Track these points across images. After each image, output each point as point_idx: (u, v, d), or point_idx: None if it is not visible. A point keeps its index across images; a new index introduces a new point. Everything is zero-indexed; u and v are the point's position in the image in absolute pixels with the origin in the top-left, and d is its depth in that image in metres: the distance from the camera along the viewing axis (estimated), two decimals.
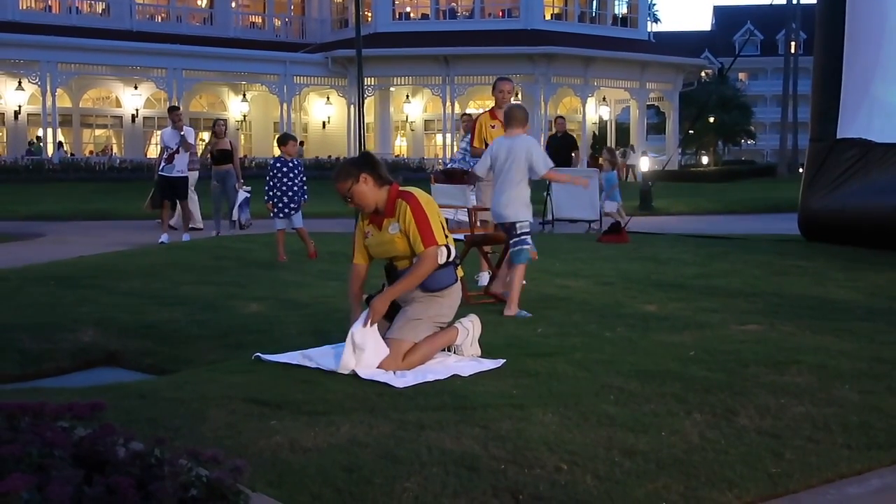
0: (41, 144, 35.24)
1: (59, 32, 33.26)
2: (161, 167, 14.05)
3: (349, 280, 5.22)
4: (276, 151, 10.72)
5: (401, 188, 4.98)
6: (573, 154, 17.03)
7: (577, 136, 41.95)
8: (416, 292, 4.90)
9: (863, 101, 12.08)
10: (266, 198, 10.27)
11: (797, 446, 3.53)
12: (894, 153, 11.53)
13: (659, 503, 2.98)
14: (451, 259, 4.97)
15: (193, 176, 15.09)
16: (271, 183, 10.22)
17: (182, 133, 13.72)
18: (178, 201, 14.03)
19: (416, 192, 5.03)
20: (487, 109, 8.76)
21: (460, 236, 7.22)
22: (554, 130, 17.65)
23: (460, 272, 5.17)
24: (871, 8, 12.11)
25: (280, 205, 10.19)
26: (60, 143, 35.48)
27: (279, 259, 9.95)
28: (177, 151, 13.74)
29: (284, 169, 10.23)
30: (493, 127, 8.38)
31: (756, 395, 4.23)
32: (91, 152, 37.29)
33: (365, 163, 4.96)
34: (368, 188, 4.89)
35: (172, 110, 14.57)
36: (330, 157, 35.28)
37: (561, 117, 18.42)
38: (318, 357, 4.90)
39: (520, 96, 38.03)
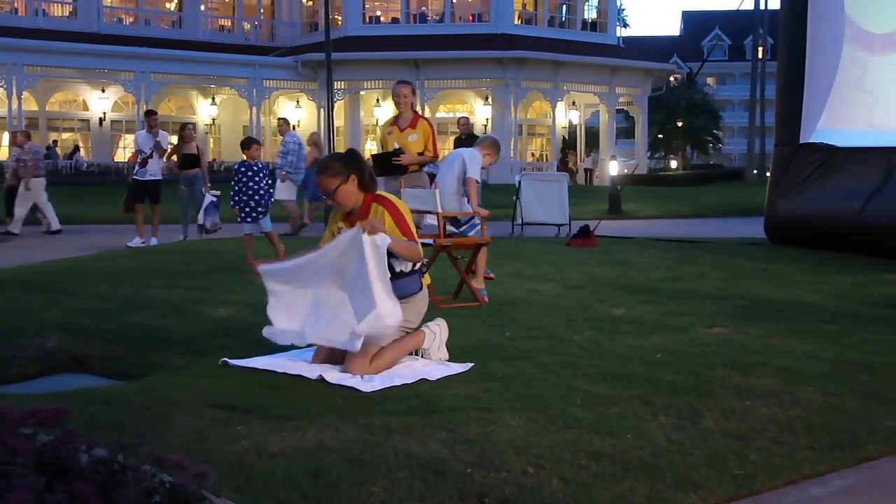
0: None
1: (26, 35, 32.95)
2: (135, 171, 14.00)
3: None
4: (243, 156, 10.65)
5: (377, 193, 5.02)
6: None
7: (546, 140, 42.33)
8: None
9: (824, 106, 12.23)
10: (232, 203, 10.21)
11: (761, 448, 3.56)
12: (855, 157, 11.68)
13: None
14: (416, 267, 4.98)
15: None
16: (237, 188, 10.16)
17: (157, 138, 13.65)
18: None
19: (393, 197, 5.08)
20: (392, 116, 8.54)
21: (430, 241, 7.23)
22: (458, 132, 16.13)
23: (427, 280, 5.18)
24: (831, 13, 12.27)
25: (247, 209, 10.13)
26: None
27: (248, 263, 9.90)
28: (150, 156, 13.67)
29: (249, 173, 10.16)
30: (389, 133, 8.22)
31: (721, 397, 4.27)
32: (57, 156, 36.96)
33: (354, 162, 4.95)
34: (353, 189, 4.91)
35: (149, 114, 14.49)
36: None
37: (465, 117, 16.91)
38: (286, 362, 4.88)
39: (489, 100, 38.17)
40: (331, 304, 4.80)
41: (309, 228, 15.29)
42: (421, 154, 8.08)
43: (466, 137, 15.15)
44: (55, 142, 36.46)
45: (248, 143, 10.59)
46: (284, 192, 15.35)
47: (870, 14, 12.04)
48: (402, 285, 4.91)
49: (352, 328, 4.62)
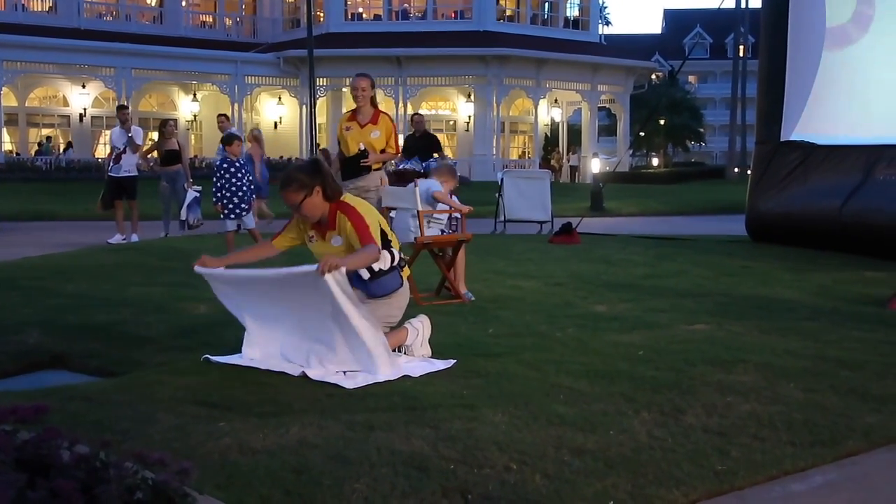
0: (50, 145, 34.94)
1: (5, 30, 32.67)
2: (109, 167, 13.92)
3: (252, 247, 5.37)
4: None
5: (343, 201, 4.89)
6: (436, 156, 14.89)
7: (529, 137, 42.39)
8: (363, 297, 4.85)
9: (804, 104, 12.31)
10: (215, 199, 10.17)
11: (743, 444, 3.58)
12: (835, 155, 11.75)
13: (607, 502, 3.00)
14: (395, 263, 4.96)
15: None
16: (219, 184, 10.13)
17: (130, 133, 13.57)
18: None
19: (359, 204, 4.96)
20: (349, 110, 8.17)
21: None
22: (412, 130, 15.38)
23: (406, 272, 5.16)
24: (812, 11, 12.34)
25: (231, 206, 10.10)
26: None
27: None
28: (123, 151, 13.59)
29: (232, 169, 10.14)
30: (347, 129, 7.88)
31: (703, 393, 4.29)
32: (37, 152, 36.72)
33: (317, 173, 4.83)
34: (319, 200, 4.81)
35: (120, 109, 14.40)
36: (282, 157, 35.09)
37: (418, 114, 16.23)
38: (267, 357, 4.87)
39: (472, 97, 38.18)
40: (310, 331, 4.75)
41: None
42: (383, 151, 7.87)
43: (420, 136, 14.83)
44: (48, 137, 36.22)
45: (229, 140, 10.56)
46: None
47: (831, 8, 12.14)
48: (382, 283, 4.90)
49: (345, 367, 4.64)
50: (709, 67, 75.30)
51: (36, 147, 35.30)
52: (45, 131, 38.11)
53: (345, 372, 4.61)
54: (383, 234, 4.95)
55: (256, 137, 16.35)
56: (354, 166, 7.77)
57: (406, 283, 5.11)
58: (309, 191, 4.76)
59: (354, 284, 4.78)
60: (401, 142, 13.71)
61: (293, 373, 4.63)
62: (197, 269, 4.87)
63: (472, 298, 7.37)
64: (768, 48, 13.00)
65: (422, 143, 14.71)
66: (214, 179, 10.23)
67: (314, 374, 4.58)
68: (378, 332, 4.67)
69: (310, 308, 4.61)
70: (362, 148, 7.71)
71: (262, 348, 4.90)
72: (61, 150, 35.82)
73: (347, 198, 4.95)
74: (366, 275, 4.82)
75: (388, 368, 4.61)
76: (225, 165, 10.21)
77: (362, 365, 4.62)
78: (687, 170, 48.94)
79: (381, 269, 4.89)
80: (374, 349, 4.58)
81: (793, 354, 5.17)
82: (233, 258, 5.17)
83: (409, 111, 38.24)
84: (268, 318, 4.90)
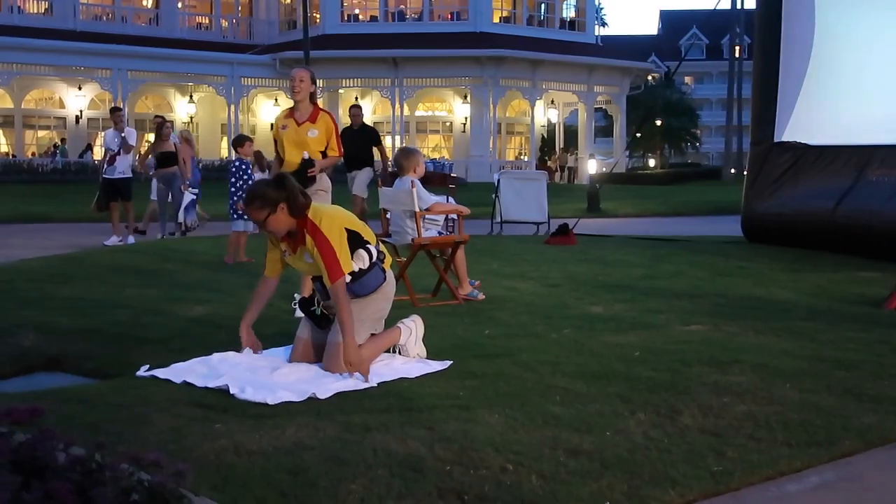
0: (65, 147, 34.94)
1: (1, 32, 32.68)
2: (104, 169, 13.92)
3: (256, 293, 5.12)
4: (224, 153, 10.62)
5: (309, 217, 4.76)
6: (376, 150, 13.85)
7: (525, 138, 42.38)
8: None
9: (796, 105, 12.34)
10: (234, 200, 10.18)
11: (739, 445, 3.58)
12: (827, 156, 11.77)
13: (603, 502, 3.00)
14: (374, 259, 4.93)
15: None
16: (238, 184, 10.16)
17: (123, 134, 13.56)
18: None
19: (324, 217, 4.80)
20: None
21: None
22: (349, 122, 13.92)
23: (388, 262, 5.10)
24: (803, 12, 12.37)
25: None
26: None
27: (240, 260, 9.88)
28: (118, 153, 13.59)
29: (244, 167, 10.21)
30: (283, 128, 6.91)
31: (699, 394, 4.29)
32: (33, 154, 36.73)
33: (282, 189, 4.74)
34: (284, 217, 4.73)
35: (114, 111, 14.39)
36: None
37: (356, 106, 14.50)
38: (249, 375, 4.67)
39: (468, 99, 38.20)
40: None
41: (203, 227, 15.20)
42: (324, 154, 6.88)
43: (359, 129, 13.63)
44: (63, 140, 36.21)
45: (240, 141, 10.58)
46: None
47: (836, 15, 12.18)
48: (365, 282, 4.86)
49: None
50: (705, 68, 75.44)
51: (52, 149, 35.22)
52: (41, 133, 38.10)
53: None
54: (356, 234, 4.89)
55: (187, 139, 16.38)
56: (301, 178, 6.41)
57: (390, 274, 5.07)
58: (273, 208, 4.69)
59: None
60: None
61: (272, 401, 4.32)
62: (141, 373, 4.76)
63: (483, 297, 7.39)
64: (762, 49, 13.03)
65: (360, 136, 13.49)
66: (233, 180, 10.23)
67: (319, 392, 4.35)
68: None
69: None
70: (306, 157, 6.78)
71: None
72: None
73: (313, 211, 4.80)
74: (347, 277, 4.78)
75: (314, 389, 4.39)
76: (240, 165, 10.24)
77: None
78: (683, 171, 49.06)
79: (361, 269, 4.86)
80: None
81: (789, 355, 5.18)
82: (254, 310, 5.12)
83: (407, 112, 38.36)
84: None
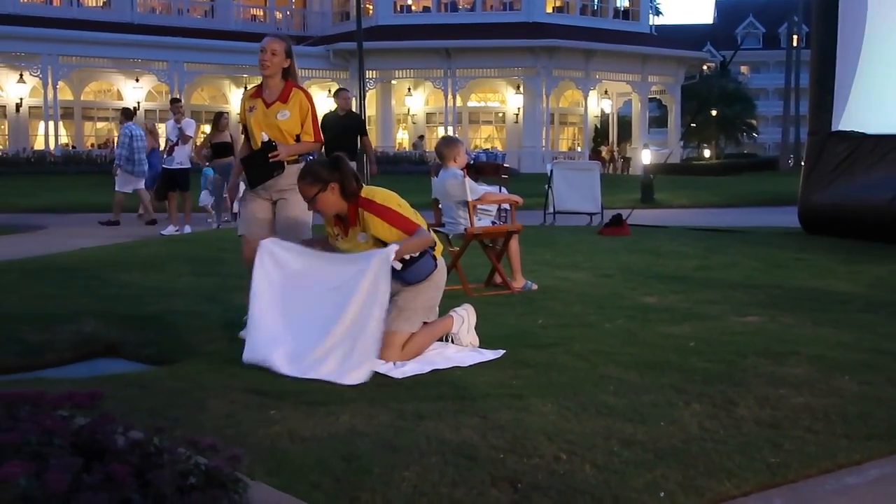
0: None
1: (61, 25, 33.25)
2: (163, 159, 14.16)
3: (315, 240, 5.18)
4: None
5: (361, 196, 4.79)
6: (361, 140, 12.73)
7: (578, 129, 42.12)
8: (399, 286, 4.79)
9: (852, 94, 12.12)
10: None
11: (796, 437, 3.53)
12: (884, 146, 11.55)
13: (657, 493, 2.98)
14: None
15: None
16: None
17: (180, 125, 13.74)
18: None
19: (377, 193, 4.85)
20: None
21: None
22: (335, 108, 12.84)
23: (439, 249, 5.08)
24: (859, 1, 12.16)
25: None
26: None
27: None
28: (176, 143, 13.78)
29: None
30: (251, 109, 5.67)
31: (755, 385, 4.24)
32: (92, 145, 37.31)
33: (336, 170, 4.76)
34: (334, 198, 4.76)
35: (174, 102, 14.62)
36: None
37: (344, 89, 13.45)
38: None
39: (521, 89, 38.05)
40: (318, 324, 4.62)
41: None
42: (297, 139, 5.62)
43: (345, 115, 12.56)
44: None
45: None
46: (118, 183, 15.34)
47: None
48: (416, 270, 4.81)
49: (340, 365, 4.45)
50: (761, 58, 74.35)
51: (110, 140, 35.71)
52: (99, 125, 38.67)
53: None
54: None
55: (151, 130, 16.55)
56: (260, 164, 5.51)
57: (441, 261, 5.03)
58: (323, 186, 4.72)
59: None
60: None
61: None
62: (264, 242, 4.87)
63: (535, 287, 7.38)
64: (819, 38, 12.83)
65: (344, 122, 12.35)
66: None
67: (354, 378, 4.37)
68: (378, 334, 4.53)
69: (342, 291, 4.56)
70: (266, 138, 5.52)
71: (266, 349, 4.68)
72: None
73: (366, 191, 4.83)
74: (398, 265, 4.72)
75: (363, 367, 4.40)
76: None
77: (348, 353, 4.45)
78: (739, 161, 48.40)
79: (412, 257, 4.83)
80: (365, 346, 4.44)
81: (847, 347, 5.10)
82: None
83: (459, 103, 38.32)
84: (292, 314, 4.75)
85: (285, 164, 5.50)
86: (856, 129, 11.96)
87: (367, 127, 18.41)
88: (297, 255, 4.85)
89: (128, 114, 15.81)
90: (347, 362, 4.39)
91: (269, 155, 5.44)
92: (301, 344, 4.58)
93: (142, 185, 15.36)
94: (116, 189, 15.32)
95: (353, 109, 13.68)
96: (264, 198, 5.58)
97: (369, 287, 4.46)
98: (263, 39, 5.74)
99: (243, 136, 5.82)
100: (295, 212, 5.50)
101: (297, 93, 5.64)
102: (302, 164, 5.40)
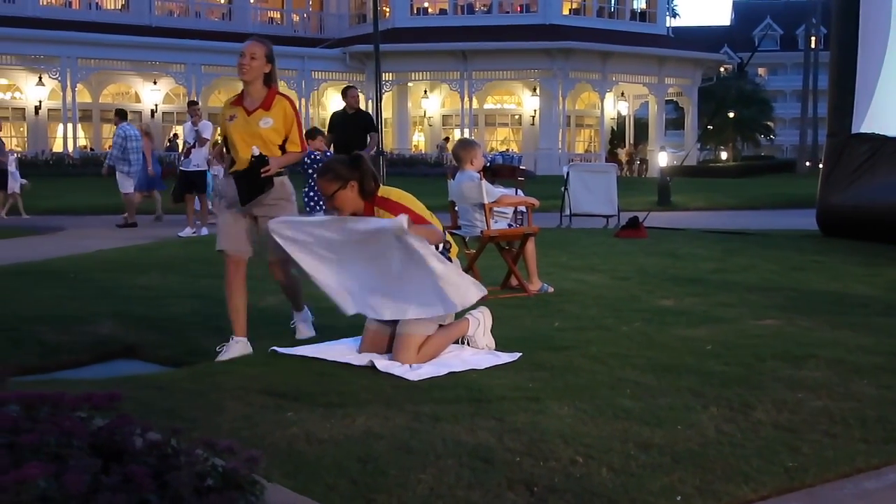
0: (178, 141, 35.73)
1: (79, 28, 33.47)
2: (180, 161, 14.24)
3: None
4: None
5: (378, 195, 4.88)
6: (368, 138, 12.05)
7: (595, 131, 42.06)
8: None
9: (874, 95, 12.04)
10: (310, 194, 10.22)
11: (814, 441, 3.51)
12: None
13: (674, 496, 2.97)
14: (440, 249, 4.92)
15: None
16: (315, 177, 10.24)
17: (196, 128, 13.81)
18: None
19: (392, 192, 4.94)
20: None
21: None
22: (343, 107, 12.29)
23: (454, 251, 5.12)
24: (881, 1, 12.08)
25: (317, 198, 10.15)
26: (176, 136, 35.69)
27: None
28: (193, 146, 13.84)
29: (319, 160, 10.31)
30: (231, 119, 5.37)
31: (773, 389, 4.22)
32: (110, 147, 37.45)
33: (356, 169, 4.85)
34: (353, 196, 4.83)
35: (191, 105, 14.70)
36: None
37: (352, 87, 12.73)
38: (334, 350, 4.92)
39: (537, 91, 38.03)
40: (375, 276, 4.84)
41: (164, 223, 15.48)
42: (282, 149, 5.32)
43: (354, 114, 12.07)
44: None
45: (313, 134, 10.62)
46: (121, 185, 15.58)
47: None
48: None
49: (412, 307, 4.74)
50: (779, 59, 74.00)
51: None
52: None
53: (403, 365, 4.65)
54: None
55: (147, 133, 16.63)
56: (252, 181, 5.21)
57: (456, 262, 5.09)
58: (343, 184, 4.80)
59: None
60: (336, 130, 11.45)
61: (360, 363, 4.67)
62: (272, 221, 4.98)
63: (551, 290, 7.37)
64: (839, 39, 12.76)
65: (354, 122, 11.91)
66: (310, 171, 10.26)
67: (381, 364, 4.61)
68: (447, 265, 4.74)
69: (380, 256, 4.76)
70: (256, 152, 5.18)
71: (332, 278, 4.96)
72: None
73: (382, 190, 4.92)
74: (442, 233, 4.85)
75: (457, 298, 4.68)
76: (317, 158, 10.26)
77: (429, 301, 4.70)
78: (756, 163, 48.23)
79: None
80: (447, 282, 4.66)
81: (866, 350, 5.06)
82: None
83: (475, 106, 38.33)
84: (340, 266, 4.95)
85: (273, 179, 5.21)
86: (878, 131, 11.87)
87: (384, 129, 18.35)
88: (305, 227, 4.98)
89: (122, 114, 15.99)
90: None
91: (261, 170, 5.16)
92: (378, 287, 4.83)
93: (132, 188, 15.49)
94: (122, 191, 15.47)
95: (362, 107, 13.55)
96: (242, 211, 5.34)
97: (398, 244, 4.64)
98: (245, 44, 5.38)
99: (224, 148, 5.52)
100: None
101: (281, 100, 5.33)
102: (285, 177, 5.34)
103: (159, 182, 16.57)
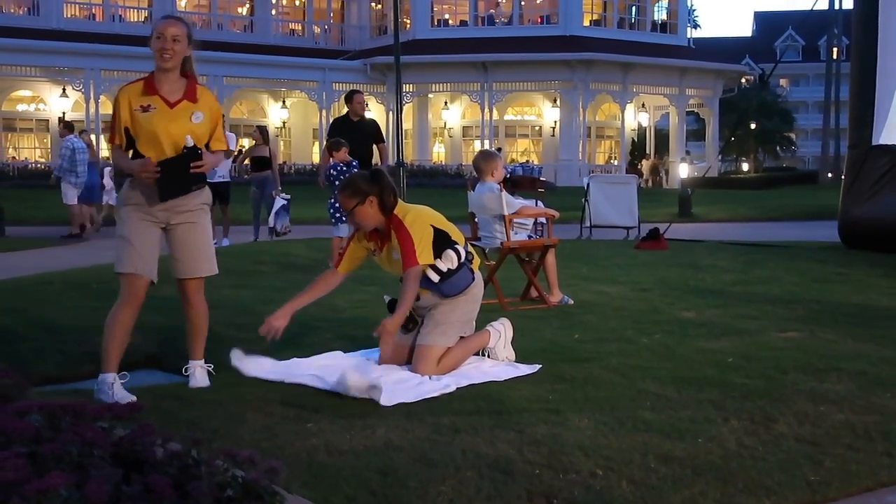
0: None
1: (103, 40, 33.76)
2: None
3: (316, 282, 5.09)
4: (315, 158, 10.67)
5: (395, 213, 4.79)
6: (378, 148, 11.23)
7: (615, 142, 41.98)
8: (436, 299, 4.88)
9: (893, 107, 11.97)
10: (339, 204, 10.20)
11: (836, 454, 3.49)
12: None
13: None
14: (462, 260, 4.91)
15: None
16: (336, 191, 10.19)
17: None
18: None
19: (409, 212, 4.84)
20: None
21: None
22: (345, 112, 11.27)
23: (476, 263, 5.10)
24: None
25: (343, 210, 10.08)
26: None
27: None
28: None
29: (344, 172, 10.20)
30: (145, 109, 4.52)
31: (795, 402, 4.19)
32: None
33: (376, 184, 4.79)
34: (373, 211, 4.77)
35: None
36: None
37: (358, 92, 11.59)
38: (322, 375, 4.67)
39: (558, 102, 38.02)
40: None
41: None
42: (207, 147, 4.62)
43: (359, 121, 11.06)
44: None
45: (337, 146, 10.48)
46: (66, 197, 15.79)
47: None
48: (454, 282, 4.85)
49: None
50: (801, 70, 73.77)
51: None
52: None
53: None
54: (444, 233, 4.88)
55: (89, 144, 16.84)
56: (179, 173, 4.49)
57: (478, 275, 5.07)
58: (362, 199, 4.74)
59: (426, 287, 4.80)
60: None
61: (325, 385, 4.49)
62: (235, 363, 4.80)
63: (572, 301, 7.36)
64: (859, 50, 12.71)
65: (361, 130, 10.96)
66: (336, 183, 10.19)
67: (385, 398, 4.20)
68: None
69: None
70: (191, 143, 4.47)
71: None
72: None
73: (400, 208, 4.84)
74: (435, 277, 4.79)
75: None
76: (342, 169, 10.06)
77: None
78: (778, 175, 48.00)
79: (449, 269, 4.85)
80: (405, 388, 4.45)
81: (889, 363, 5.02)
82: (304, 298, 5.04)
83: (496, 117, 38.36)
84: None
85: (204, 178, 4.58)
86: None
87: (404, 140, 18.33)
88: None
89: (69, 126, 16.18)
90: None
91: (192, 165, 4.44)
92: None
93: (75, 199, 15.63)
94: (66, 202, 15.63)
95: (378, 118, 13.13)
96: (155, 220, 4.59)
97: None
98: (160, 23, 4.66)
99: (123, 146, 4.61)
100: (204, 237, 4.79)
101: (205, 91, 4.75)
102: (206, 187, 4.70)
103: (99, 193, 16.90)
